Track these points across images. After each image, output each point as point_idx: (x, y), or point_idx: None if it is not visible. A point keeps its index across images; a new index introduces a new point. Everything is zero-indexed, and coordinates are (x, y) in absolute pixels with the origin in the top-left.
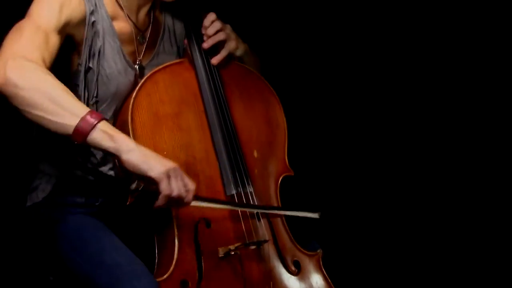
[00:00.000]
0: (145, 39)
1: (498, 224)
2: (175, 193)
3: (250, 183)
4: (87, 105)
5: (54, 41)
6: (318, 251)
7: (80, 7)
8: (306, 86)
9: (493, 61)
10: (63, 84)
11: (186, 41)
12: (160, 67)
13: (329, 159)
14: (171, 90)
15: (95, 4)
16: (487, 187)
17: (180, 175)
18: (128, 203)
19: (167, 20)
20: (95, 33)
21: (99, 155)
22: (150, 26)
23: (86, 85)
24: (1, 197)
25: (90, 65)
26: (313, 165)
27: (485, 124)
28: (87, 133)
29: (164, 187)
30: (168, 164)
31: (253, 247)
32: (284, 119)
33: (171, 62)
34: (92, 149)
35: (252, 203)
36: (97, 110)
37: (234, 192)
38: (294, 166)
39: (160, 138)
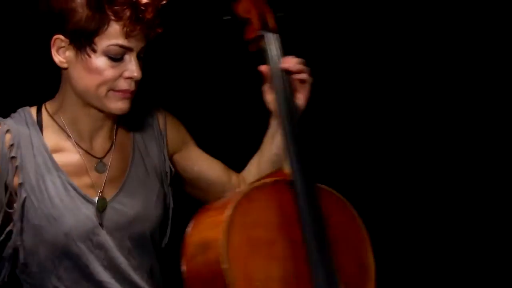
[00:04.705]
0: (105, 167)
1: (498, 224)
2: None
3: None
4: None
5: None
6: None
7: None
8: None
9: (493, 61)
10: None
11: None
12: (257, 184)
13: None
14: (266, 212)
15: (29, 138)
16: (487, 188)
17: None
18: None
19: (137, 139)
20: (17, 169)
21: None
22: (112, 151)
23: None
24: None
25: (21, 206)
26: None
27: (485, 124)
28: None
29: None
30: None
31: None
32: (373, 261)
33: (266, 181)
34: None
35: None
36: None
37: None
38: None
39: (254, 267)
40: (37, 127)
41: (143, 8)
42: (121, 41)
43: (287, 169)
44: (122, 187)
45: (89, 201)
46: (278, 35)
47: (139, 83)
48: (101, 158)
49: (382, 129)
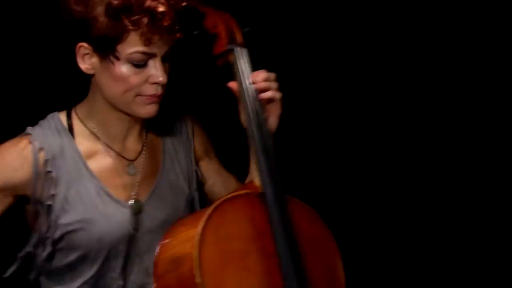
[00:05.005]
0: (137, 169)
1: (498, 224)
2: None
3: None
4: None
5: None
6: None
7: (23, 168)
8: None
9: (493, 61)
10: None
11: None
12: (228, 196)
13: None
14: (238, 225)
15: (61, 147)
16: (487, 188)
17: None
18: None
19: (166, 143)
20: (52, 180)
21: None
22: (143, 153)
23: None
24: None
25: (54, 217)
26: None
27: (485, 125)
28: None
29: None
30: None
31: None
32: (344, 273)
33: (238, 192)
34: None
35: None
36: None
37: None
38: None
39: (228, 279)
40: (69, 134)
41: (160, 16)
42: (143, 48)
43: (257, 181)
44: (154, 190)
45: (123, 206)
46: (246, 49)
47: (168, 84)
48: (132, 160)
49: (354, 140)
